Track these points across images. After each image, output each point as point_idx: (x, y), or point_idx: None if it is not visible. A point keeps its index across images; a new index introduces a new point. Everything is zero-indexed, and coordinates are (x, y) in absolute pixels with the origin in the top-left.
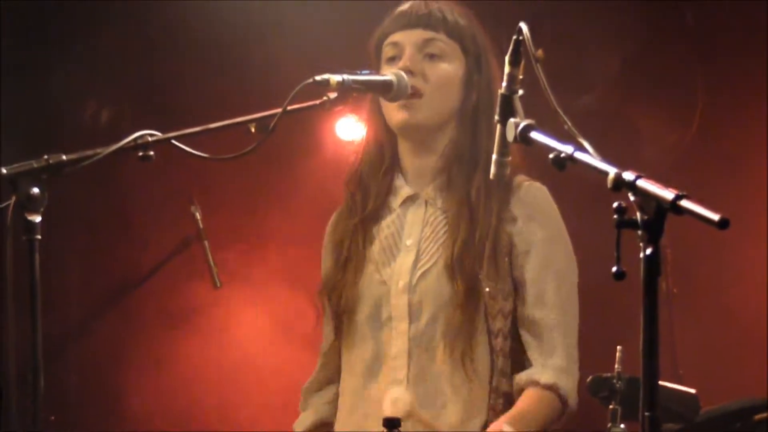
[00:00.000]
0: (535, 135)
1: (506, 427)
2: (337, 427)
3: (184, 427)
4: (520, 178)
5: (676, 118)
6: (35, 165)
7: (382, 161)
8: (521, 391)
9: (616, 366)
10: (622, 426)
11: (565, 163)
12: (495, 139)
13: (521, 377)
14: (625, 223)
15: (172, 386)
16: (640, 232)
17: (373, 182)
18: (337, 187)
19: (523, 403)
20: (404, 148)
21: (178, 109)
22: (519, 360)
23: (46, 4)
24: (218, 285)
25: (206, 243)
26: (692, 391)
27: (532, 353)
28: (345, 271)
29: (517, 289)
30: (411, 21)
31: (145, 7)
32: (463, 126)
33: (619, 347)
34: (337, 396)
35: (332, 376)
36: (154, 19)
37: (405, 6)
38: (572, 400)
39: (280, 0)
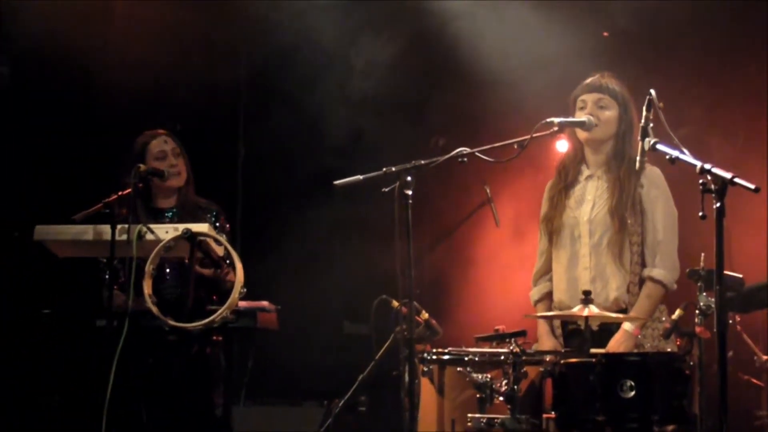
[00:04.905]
0: (659, 146)
1: (626, 325)
2: (555, 292)
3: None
4: (647, 165)
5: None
6: (407, 166)
7: (576, 157)
8: (644, 279)
9: (701, 263)
10: (704, 293)
11: (675, 160)
12: (637, 148)
13: (644, 272)
14: (706, 190)
15: (483, 281)
16: (713, 195)
17: (571, 167)
18: (552, 175)
19: (640, 300)
20: (587, 151)
21: (481, 132)
22: (644, 259)
23: None
24: (497, 224)
25: (493, 205)
26: (740, 275)
27: (650, 258)
28: (555, 211)
29: (643, 222)
30: (591, 88)
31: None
32: (618, 140)
33: (702, 254)
34: (551, 277)
35: (547, 267)
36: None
37: (588, 80)
38: (671, 285)
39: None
